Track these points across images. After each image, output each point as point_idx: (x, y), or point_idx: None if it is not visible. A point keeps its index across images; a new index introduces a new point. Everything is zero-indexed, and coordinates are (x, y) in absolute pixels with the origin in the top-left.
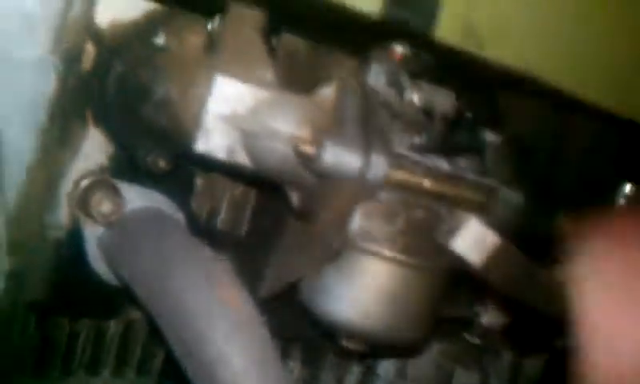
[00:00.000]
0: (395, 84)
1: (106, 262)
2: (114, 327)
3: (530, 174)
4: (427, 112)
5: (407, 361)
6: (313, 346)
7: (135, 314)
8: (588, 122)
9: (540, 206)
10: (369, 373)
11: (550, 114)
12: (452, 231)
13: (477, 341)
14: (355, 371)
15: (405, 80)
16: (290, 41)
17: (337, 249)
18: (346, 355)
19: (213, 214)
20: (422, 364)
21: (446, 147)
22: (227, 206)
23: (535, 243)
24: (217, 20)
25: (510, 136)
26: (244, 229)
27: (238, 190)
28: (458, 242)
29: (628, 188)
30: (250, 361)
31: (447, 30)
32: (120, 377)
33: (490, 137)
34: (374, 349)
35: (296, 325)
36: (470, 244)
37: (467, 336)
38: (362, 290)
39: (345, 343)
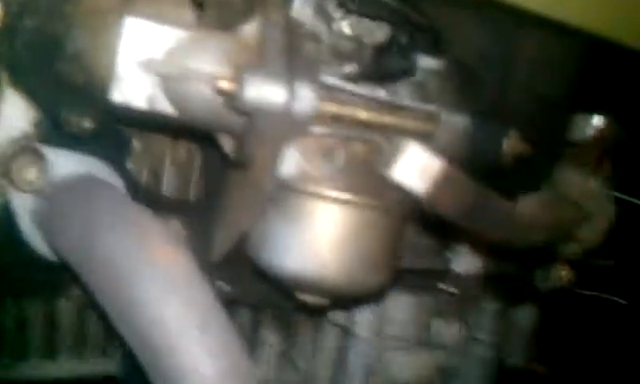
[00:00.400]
0: (322, 14)
1: (41, 235)
2: (65, 307)
3: (477, 97)
4: (358, 41)
5: (383, 318)
6: (285, 312)
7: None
8: (538, 37)
9: (488, 128)
10: (345, 333)
11: (497, 31)
12: (392, 160)
13: (453, 290)
14: (331, 332)
15: (332, 9)
16: None
17: (270, 191)
18: (305, 310)
19: (155, 177)
20: (399, 319)
21: (379, 74)
22: (170, 169)
23: (491, 172)
24: None
25: (454, 60)
26: (191, 192)
27: (181, 151)
28: (398, 169)
29: (596, 119)
30: (188, 323)
31: None
32: (78, 359)
33: (431, 62)
34: (332, 300)
35: (265, 291)
36: (413, 171)
37: (443, 286)
38: (309, 235)
39: (301, 297)
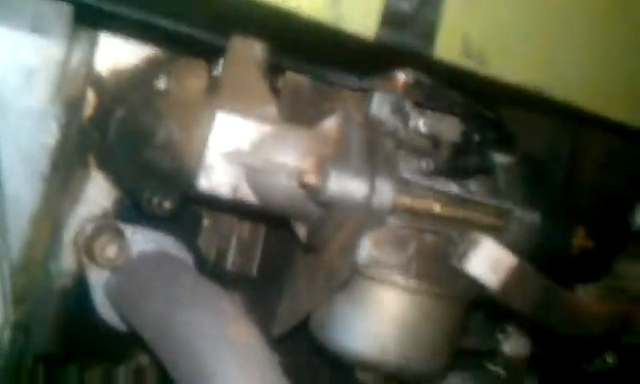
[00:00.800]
0: (399, 112)
1: (114, 308)
2: (122, 374)
3: (545, 193)
4: (433, 138)
5: None
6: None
7: (144, 359)
8: (601, 136)
9: (557, 224)
10: None
11: (562, 130)
12: (466, 254)
13: (501, 372)
14: None
15: (409, 108)
16: (294, 79)
17: (344, 278)
18: None
19: (222, 254)
20: None
21: (455, 171)
22: (236, 246)
23: (555, 264)
24: (220, 64)
25: (523, 155)
26: (254, 269)
27: (246, 229)
28: (472, 263)
29: None
30: None
31: (446, 48)
32: None
33: (501, 158)
34: (390, 380)
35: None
36: (486, 265)
37: (491, 367)
38: (375, 319)
39: (360, 376)
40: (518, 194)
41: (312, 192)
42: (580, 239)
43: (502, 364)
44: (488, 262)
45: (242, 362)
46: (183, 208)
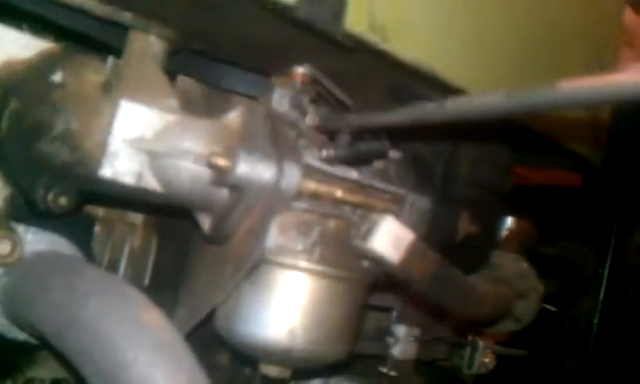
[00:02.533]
0: (298, 107)
1: (4, 310)
2: None
3: (430, 184)
4: (331, 131)
5: None
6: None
7: (34, 372)
8: (476, 132)
9: (444, 210)
10: None
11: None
12: (369, 232)
13: (392, 373)
14: None
15: (306, 103)
16: (186, 82)
17: (255, 260)
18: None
19: (114, 262)
20: None
21: (354, 158)
22: (128, 254)
23: (443, 251)
24: (112, 61)
25: (409, 153)
26: (147, 279)
27: (138, 238)
28: (376, 241)
29: (509, 221)
30: (177, 382)
31: (354, 23)
32: None
33: (391, 153)
34: (295, 370)
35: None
36: (388, 242)
37: (384, 370)
38: (282, 306)
39: (266, 370)
40: (407, 183)
41: (221, 174)
42: (464, 223)
43: (392, 366)
44: (389, 238)
45: (156, 345)
46: (76, 212)
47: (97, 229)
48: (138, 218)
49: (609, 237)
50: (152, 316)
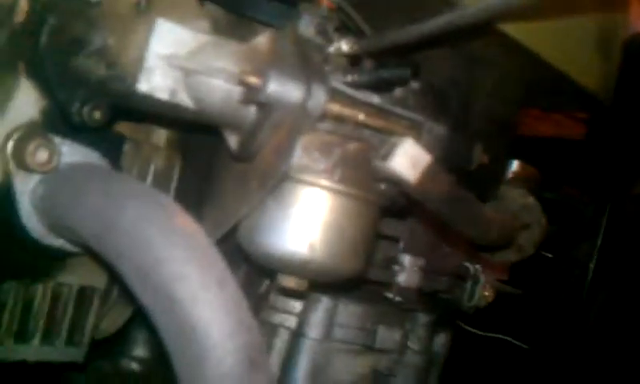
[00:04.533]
0: (323, 33)
1: (41, 214)
2: (41, 292)
3: (447, 114)
4: (355, 58)
5: (333, 323)
6: None
7: (64, 278)
8: (491, 68)
9: (460, 138)
10: (296, 336)
11: (459, 63)
12: (389, 153)
13: (397, 299)
14: (283, 335)
15: (331, 30)
16: (213, 9)
17: (280, 177)
18: (286, 294)
19: (141, 179)
20: (349, 324)
21: (377, 83)
22: (153, 176)
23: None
24: None
25: (426, 83)
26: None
27: (161, 161)
28: (394, 160)
29: (514, 165)
30: (209, 279)
31: None
32: (49, 345)
33: (412, 83)
34: (312, 283)
35: None
36: (406, 162)
37: (388, 295)
38: (303, 221)
39: (284, 282)
40: (425, 111)
41: (251, 92)
42: (478, 153)
43: (397, 293)
44: (408, 159)
45: (190, 246)
46: (108, 129)
47: (126, 148)
48: (161, 139)
49: (609, 187)
50: (185, 220)
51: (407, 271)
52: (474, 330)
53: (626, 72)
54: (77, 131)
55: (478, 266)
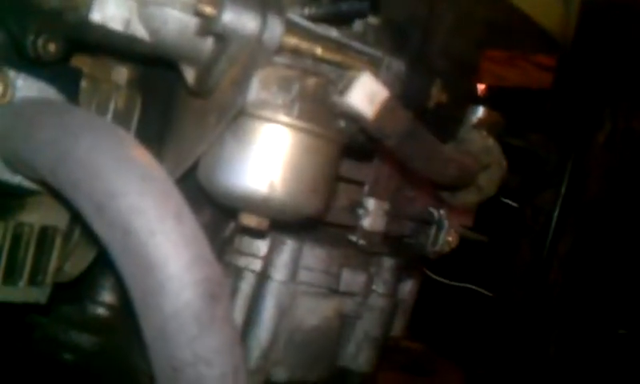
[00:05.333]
0: None
1: None
2: (1, 232)
3: (406, 50)
4: None
5: (299, 265)
6: None
7: (25, 217)
8: (451, 4)
9: (419, 74)
10: (261, 279)
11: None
12: (346, 87)
13: (362, 242)
14: (248, 278)
15: None
16: None
17: (237, 110)
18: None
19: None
20: (314, 267)
21: (335, 16)
22: (113, 116)
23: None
24: None
25: (386, 19)
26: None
27: (122, 100)
28: (352, 95)
29: (480, 111)
30: (165, 210)
31: None
32: (11, 285)
33: (369, 19)
34: (274, 224)
35: None
36: (364, 97)
37: (352, 238)
38: (263, 157)
39: (245, 221)
40: (384, 47)
41: (207, 22)
42: (437, 91)
43: (361, 236)
44: (365, 94)
45: (146, 177)
46: (64, 64)
47: (83, 84)
48: (122, 77)
49: (573, 135)
50: (140, 153)
51: (372, 215)
52: (441, 279)
53: (585, 18)
54: (32, 65)
55: (442, 211)
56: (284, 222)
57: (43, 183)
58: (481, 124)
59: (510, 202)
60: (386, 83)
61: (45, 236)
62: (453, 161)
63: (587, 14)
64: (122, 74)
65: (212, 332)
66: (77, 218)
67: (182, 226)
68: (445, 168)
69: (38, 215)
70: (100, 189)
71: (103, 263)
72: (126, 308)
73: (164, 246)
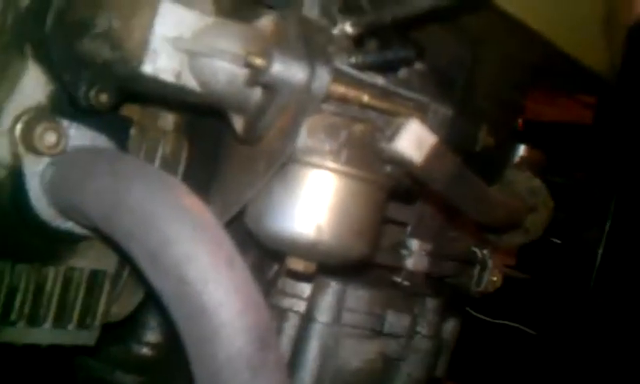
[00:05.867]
0: (328, 14)
1: (50, 197)
2: (52, 276)
3: (452, 95)
4: (358, 39)
5: (343, 307)
6: None
7: (75, 262)
8: (496, 48)
9: (465, 119)
10: (306, 321)
11: (464, 43)
12: (395, 133)
13: (405, 283)
14: (293, 319)
15: (335, 11)
16: None
17: (285, 158)
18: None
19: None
20: (358, 309)
21: (381, 64)
22: (161, 161)
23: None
24: None
25: (431, 64)
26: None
27: (169, 145)
28: (400, 141)
29: (522, 149)
30: (218, 258)
31: None
32: (61, 328)
33: (415, 64)
34: (320, 267)
35: None
36: (412, 143)
37: (396, 279)
38: (310, 203)
39: (292, 265)
40: (429, 93)
41: (256, 73)
42: (483, 135)
43: (405, 277)
44: (414, 139)
45: (198, 225)
46: (115, 112)
47: (132, 132)
48: (168, 123)
49: (618, 172)
50: (192, 200)
51: (415, 255)
52: (483, 317)
53: (631, 57)
54: (84, 115)
55: (486, 251)
56: (331, 266)
57: (95, 229)
58: (523, 162)
59: (554, 240)
60: (433, 128)
61: (94, 280)
62: (501, 204)
63: (633, 53)
64: (168, 119)
65: (264, 378)
66: (125, 261)
67: (234, 272)
68: (493, 211)
69: (88, 259)
70: (154, 237)
71: (148, 303)
72: (172, 348)
73: (217, 294)
